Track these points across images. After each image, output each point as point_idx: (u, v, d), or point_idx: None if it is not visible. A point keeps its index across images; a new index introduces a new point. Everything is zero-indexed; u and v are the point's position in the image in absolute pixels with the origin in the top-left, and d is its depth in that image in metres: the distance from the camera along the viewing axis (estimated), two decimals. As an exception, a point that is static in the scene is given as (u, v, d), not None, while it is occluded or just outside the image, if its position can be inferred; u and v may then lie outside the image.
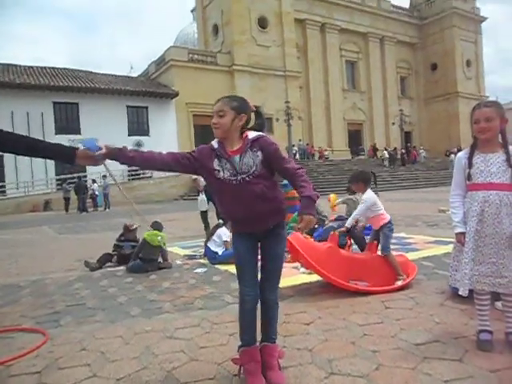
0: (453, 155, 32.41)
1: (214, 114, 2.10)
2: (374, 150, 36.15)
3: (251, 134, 2.12)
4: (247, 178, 2.05)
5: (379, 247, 3.92)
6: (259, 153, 2.07)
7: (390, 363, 2.23)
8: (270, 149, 2.08)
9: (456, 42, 43.16)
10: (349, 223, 4.06)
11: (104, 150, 2.11)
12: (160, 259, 5.29)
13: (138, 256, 5.18)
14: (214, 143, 2.15)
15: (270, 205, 2.10)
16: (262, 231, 2.14)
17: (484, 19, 46.80)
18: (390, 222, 3.87)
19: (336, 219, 5.84)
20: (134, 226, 5.83)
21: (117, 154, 2.12)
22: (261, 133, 2.15)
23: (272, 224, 2.14)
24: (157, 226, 5.47)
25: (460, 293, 2.42)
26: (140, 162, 2.19)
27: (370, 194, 3.88)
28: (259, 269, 2.20)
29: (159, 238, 5.26)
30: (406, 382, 2.02)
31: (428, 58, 45.15)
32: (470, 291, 2.41)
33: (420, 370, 2.14)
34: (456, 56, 43.08)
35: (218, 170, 2.08)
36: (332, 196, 6.69)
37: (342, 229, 4.09)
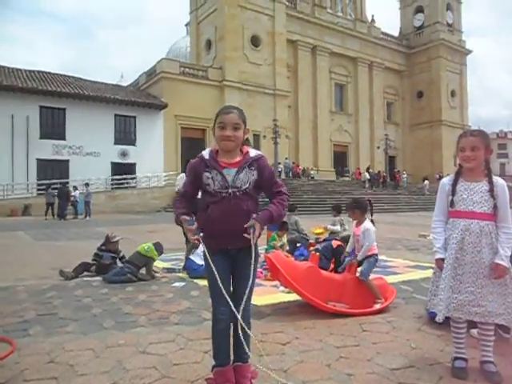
0: (426, 181, 33.30)
1: (227, 125, 2.06)
2: (360, 173, 36.64)
3: (252, 152, 2.14)
4: (237, 193, 2.06)
5: (359, 270, 3.93)
6: (255, 172, 2.10)
7: (365, 388, 2.21)
8: (266, 172, 2.14)
9: (442, 72, 44.48)
10: (361, 256, 3.87)
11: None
12: (143, 271, 5.25)
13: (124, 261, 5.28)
14: (205, 154, 2.13)
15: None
16: (237, 250, 2.13)
17: (469, 52, 48.41)
18: (376, 254, 3.96)
19: (325, 240, 5.85)
20: (116, 238, 5.72)
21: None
22: (259, 152, 2.18)
23: (244, 245, 2.09)
24: (157, 247, 5.41)
25: (436, 319, 2.42)
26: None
27: (369, 224, 3.92)
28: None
29: (146, 247, 5.22)
30: (379, 407, 2.00)
31: (414, 85, 46.35)
32: (447, 317, 2.41)
33: (394, 395, 2.12)
34: (441, 85, 44.34)
35: (208, 184, 2.08)
36: (316, 228, 6.85)
37: (354, 261, 3.95)
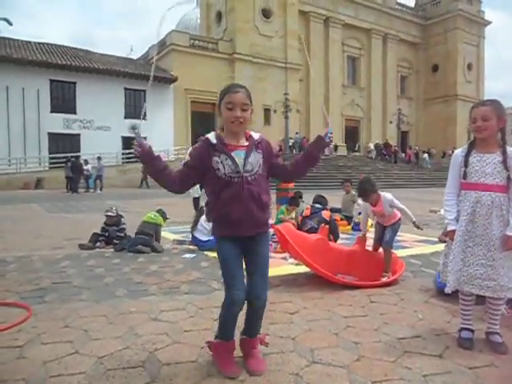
0: (425, 154, 32.26)
1: (236, 106, 1.98)
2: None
3: (254, 135, 2.11)
4: (249, 178, 2.00)
5: (384, 240, 3.88)
6: (262, 155, 2.07)
7: (371, 355, 2.25)
8: (270, 150, 2.14)
9: (459, 44, 43.12)
10: (412, 218, 3.85)
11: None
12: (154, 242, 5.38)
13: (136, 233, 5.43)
14: (212, 138, 2.03)
15: (262, 213, 2.07)
16: (248, 237, 2.08)
17: (488, 23, 46.74)
18: (399, 219, 3.93)
19: (312, 213, 5.67)
20: (109, 213, 5.70)
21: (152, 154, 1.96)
22: (260, 134, 2.16)
23: (260, 231, 2.10)
24: (161, 213, 5.75)
25: (445, 290, 2.43)
26: (159, 170, 1.99)
27: (389, 195, 3.87)
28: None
29: (152, 215, 5.43)
30: (385, 374, 2.04)
31: (429, 58, 45.10)
32: (455, 290, 2.42)
33: (400, 363, 2.16)
34: (458, 58, 43.07)
35: (218, 168, 1.99)
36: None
37: (363, 236, 4.04)
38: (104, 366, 2.13)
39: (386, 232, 3.88)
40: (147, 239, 5.24)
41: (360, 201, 3.98)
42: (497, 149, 2.32)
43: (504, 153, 2.29)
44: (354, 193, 6.66)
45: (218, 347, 2.15)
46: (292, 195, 7.01)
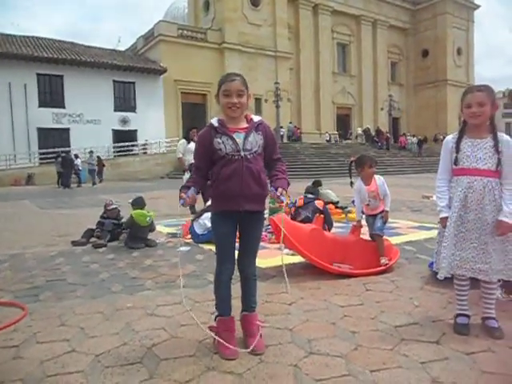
0: (414, 139, 32.46)
1: (232, 93, 2.15)
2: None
3: (255, 118, 2.27)
4: (249, 156, 2.15)
5: (375, 228, 3.91)
6: (262, 136, 2.22)
7: (369, 344, 2.26)
8: (270, 135, 2.28)
9: (448, 29, 43.09)
10: (389, 206, 4.02)
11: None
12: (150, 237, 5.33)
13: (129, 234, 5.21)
14: (214, 122, 2.21)
15: (260, 189, 2.20)
16: (244, 213, 2.19)
17: (477, 7, 46.69)
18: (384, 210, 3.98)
19: (305, 203, 5.67)
20: (112, 206, 5.72)
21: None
22: (260, 117, 2.29)
23: (256, 208, 2.23)
24: (138, 203, 5.35)
25: (438, 276, 2.44)
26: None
27: (382, 178, 3.96)
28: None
29: (148, 218, 5.19)
30: (383, 362, 2.05)
31: (419, 44, 45.06)
32: (451, 276, 2.43)
33: (397, 351, 2.17)
34: (447, 43, 43.10)
35: (220, 149, 2.14)
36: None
37: (358, 224, 4.07)
38: (102, 364, 2.12)
39: (377, 219, 3.92)
40: (144, 242, 5.18)
41: (356, 183, 3.98)
42: (488, 134, 2.32)
43: (495, 137, 2.29)
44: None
45: (219, 326, 2.27)
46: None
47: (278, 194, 2.11)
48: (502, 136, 2.31)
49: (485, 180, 2.29)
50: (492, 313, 2.39)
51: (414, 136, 36.01)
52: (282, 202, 2.13)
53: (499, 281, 2.47)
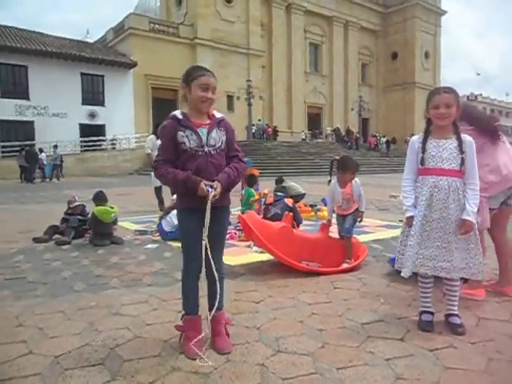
0: (382, 139, 33.29)
1: (207, 87, 2.14)
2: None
3: (217, 114, 2.25)
4: (213, 152, 2.14)
5: (343, 228, 3.92)
6: (224, 132, 2.22)
7: (336, 342, 2.26)
8: (230, 132, 2.26)
9: (417, 32, 44.25)
10: (364, 207, 4.00)
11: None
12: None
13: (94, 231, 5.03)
14: (178, 114, 2.16)
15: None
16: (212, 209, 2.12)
17: (444, 12, 48.14)
18: (357, 209, 3.97)
19: (275, 200, 5.67)
20: (75, 204, 5.54)
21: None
22: (222, 114, 2.29)
23: (220, 203, 2.17)
24: (100, 198, 5.17)
25: (402, 274, 2.48)
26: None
27: (359, 181, 3.95)
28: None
29: (113, 215, 5.05)
30: (349, 360, 2.06)
31: (389, 46, 46.07)
32: (416, 273, 2.47)
33: (363, 348, 2.18)
34: (416, 46, 44.25)
35: (184, 142, 2.11)
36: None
37: (327, 222, 4.06)
38: (61, 366, 2.03)
39: (346, 220, 3.92)
40: (110, 239, 5.04)
41: (331, 183, 3.98)
42: (452, 134, 2.38)
43: (459, 138, 2.36)
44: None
45: (185, 325, 2.24)
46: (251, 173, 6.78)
47: (212, 185, 2.05)
48: (465, 137, 2.38)
49: (450, 180, 2.34)
50: (455, 310, 2.45)
51: (384, 136, 36.79)
52: (208, 192, 2.03)
53: (461, 279, 2.53)
